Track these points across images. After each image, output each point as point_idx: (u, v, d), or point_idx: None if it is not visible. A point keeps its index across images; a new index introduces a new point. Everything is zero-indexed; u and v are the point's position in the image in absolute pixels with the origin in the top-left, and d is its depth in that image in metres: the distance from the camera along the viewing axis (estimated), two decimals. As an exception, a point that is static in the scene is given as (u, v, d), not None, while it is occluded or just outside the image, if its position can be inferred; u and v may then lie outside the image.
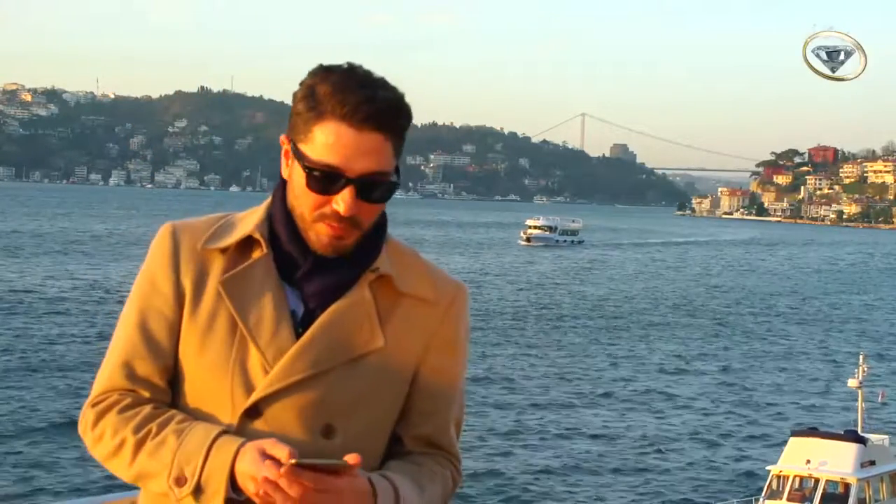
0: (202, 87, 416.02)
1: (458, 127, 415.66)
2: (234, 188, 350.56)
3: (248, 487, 1.87)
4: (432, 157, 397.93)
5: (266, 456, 1.85)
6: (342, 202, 1.92)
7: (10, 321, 43.21)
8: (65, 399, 29.66)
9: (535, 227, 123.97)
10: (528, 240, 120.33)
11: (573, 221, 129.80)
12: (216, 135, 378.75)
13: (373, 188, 1.94)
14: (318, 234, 1.97)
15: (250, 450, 1.87)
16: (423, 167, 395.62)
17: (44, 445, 25.64)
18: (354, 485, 1.87)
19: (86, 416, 2.02)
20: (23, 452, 25.06)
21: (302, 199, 1.96)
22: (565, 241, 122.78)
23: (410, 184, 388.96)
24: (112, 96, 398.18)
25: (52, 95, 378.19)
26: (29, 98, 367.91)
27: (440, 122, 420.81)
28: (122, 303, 2.09)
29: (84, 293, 53.77)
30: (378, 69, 1.87)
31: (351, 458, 1.85)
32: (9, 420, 27.80)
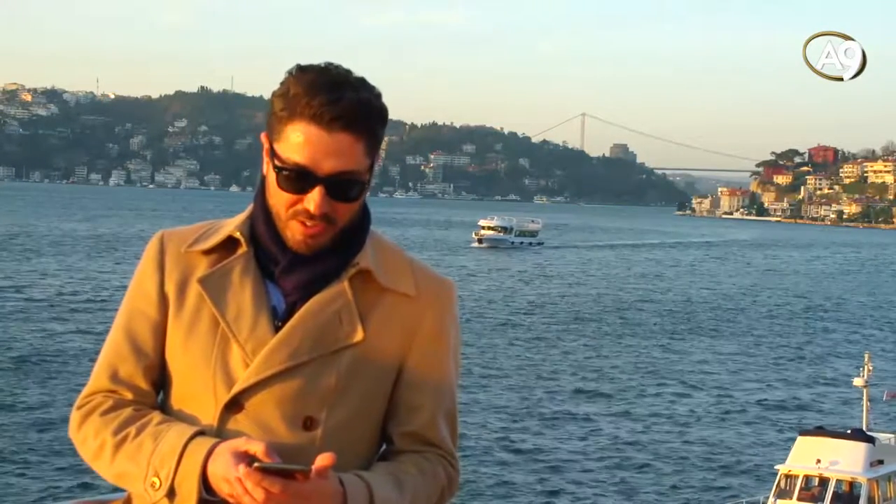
0: (202, 87, 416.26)
1: (458, 127, 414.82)
2: (234, 188, 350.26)
3: (222, 489, 1.87)
4: (432, 157, 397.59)
5: (239, 455, 1.86)
6: (312, 201, 1.95)
7: (12, 321, 43.05)
8: (64, 399, 29.49)
9: (488, 228, 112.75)
10: (479, 241, 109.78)
11: (532, 222, 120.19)
12: (216, 135, 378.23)
13: (343, 187, 1.96)
14: (293, 233, 1.99)
15: (223, 451, 1.88)
16: (423, 167, 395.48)
17: (43, 446, 25.47)
18: (322, 487, 1.85)
19: (73, 419, 2.05)
20: (22, 453, 24.87)
21: (276, 197, 1.99)
22: (521, 242, 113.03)
23: (410, 184, 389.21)
24: (112, 96, 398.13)
25: (52, 95, 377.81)
26: (29, 98, 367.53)
27: (440, 122, 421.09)
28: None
29: (89, 293, 53.63)
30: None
31: (324, 459, 1.83)
32: (9, 420, 27.61)
